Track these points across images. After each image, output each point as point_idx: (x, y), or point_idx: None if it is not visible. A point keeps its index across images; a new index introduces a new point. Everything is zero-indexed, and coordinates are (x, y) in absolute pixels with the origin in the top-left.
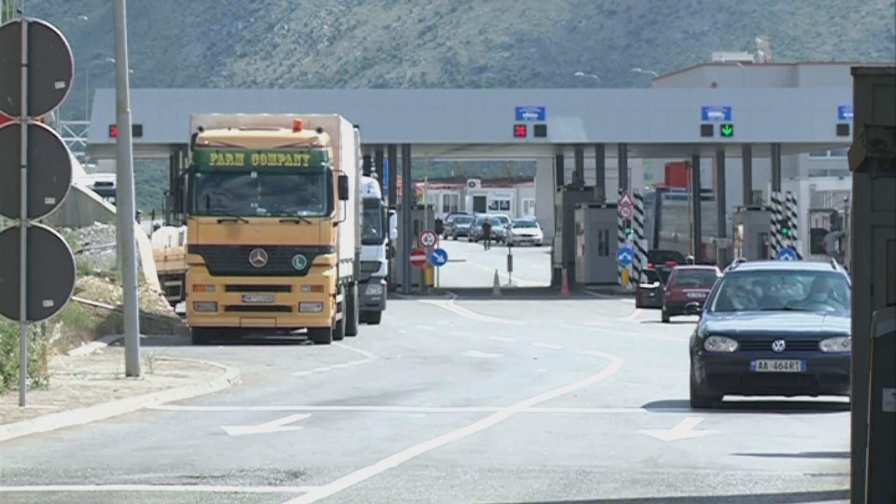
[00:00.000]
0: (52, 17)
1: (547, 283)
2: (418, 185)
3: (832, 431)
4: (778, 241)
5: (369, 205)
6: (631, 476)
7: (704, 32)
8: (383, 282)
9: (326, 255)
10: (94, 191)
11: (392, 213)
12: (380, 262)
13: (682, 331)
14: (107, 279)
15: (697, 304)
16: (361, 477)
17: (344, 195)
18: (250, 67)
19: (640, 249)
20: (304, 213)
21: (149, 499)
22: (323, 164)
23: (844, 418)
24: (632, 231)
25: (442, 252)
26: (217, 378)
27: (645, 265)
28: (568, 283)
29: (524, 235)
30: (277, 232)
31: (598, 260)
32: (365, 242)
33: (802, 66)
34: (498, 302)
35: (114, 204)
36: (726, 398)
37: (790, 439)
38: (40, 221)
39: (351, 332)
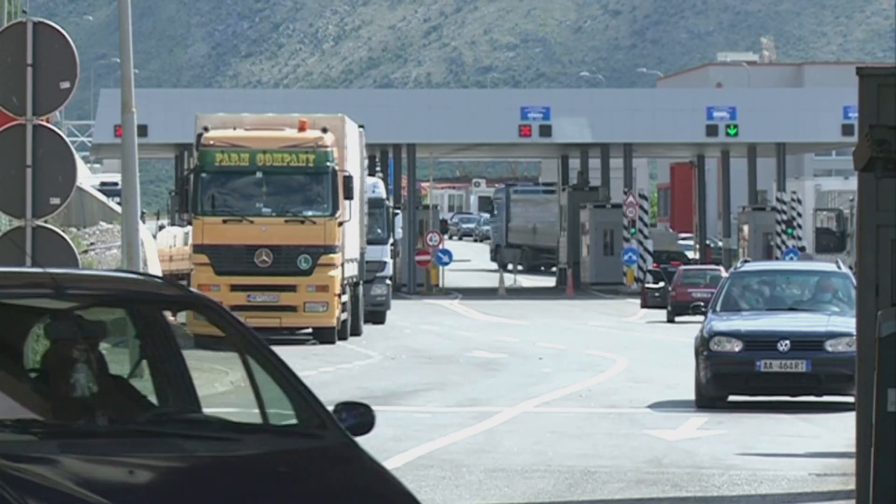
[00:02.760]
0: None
1: (552, 283)
2: (423, 185)
3: (837, 431)
4: (783, 241)
5: (374, 205)
6: (636, 476)
7: (709, 32)
8: (388, 282)
9: (331, 255)
10: (100, 191)
11: (397, 213)
12: (385, 262)
13: (687, 331)
14: None
15: (702, 304)
16: None
17: (349, 195)
18: (255, 67)
19: (645, 249)
20: (310, 213)
21: None
22: (328, 164)
23: (849, 418)
24: (636, 231)
25: (447, 252)
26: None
27: (650, 265)
28: (573, 283)
29: None
30: (282, 232)
31: (603, 260)
32: (370, 242)
33: (807, 66)
34: (503, 302)
35: (119, 204)
36: (731, 398)
37: (795, 439)
38: (45, 221)
39: (356, 331)
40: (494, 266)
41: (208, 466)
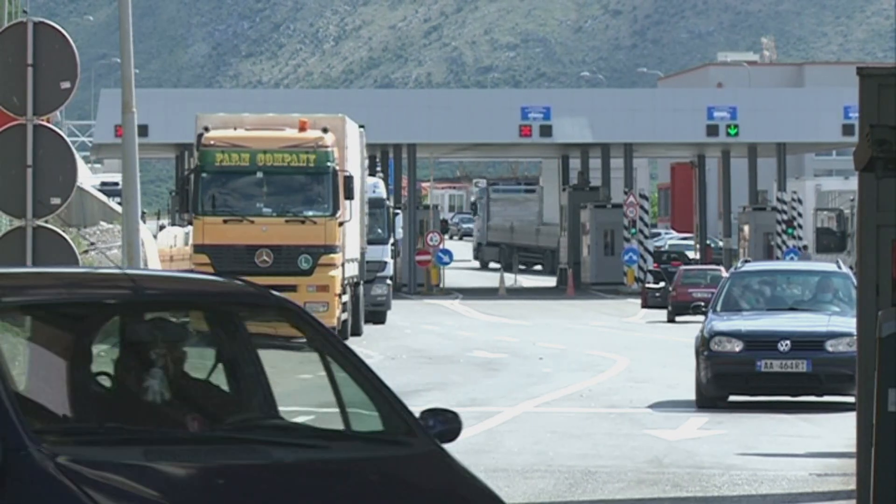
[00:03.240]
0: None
1: (552, 283)
2: (424, 185)
3: (837, 431)
4: (784, 241)
5: (375, 205)
6: (636, 476)
7: (710, 32)
8: (389, 282)
9: (332, 255)
10: (100, 191)
11: (397, 213)
12: (385, 262)
13: (688, 331)
14: None
15: (703, 304)
16: None
17: (349, 195)
18: (256, 67)
19: (646, 249)
20: (310, 213)
21: None
22: (328, 164)
23: (850, 418)
24: (637, 231)
25: (447, 252)
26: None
27: (651, 265)
28: (573, 283)
29: None
30: (283, 232)
31: (603, 260)
32: (370, 242)
33: (808, 66)
34: (503, 302)
35: (119, 204)
36: (732, 398)
37: (795, 439)
38: (46, 221)
39: (356, 331)
40: (480, 264)
41: (297, 474)
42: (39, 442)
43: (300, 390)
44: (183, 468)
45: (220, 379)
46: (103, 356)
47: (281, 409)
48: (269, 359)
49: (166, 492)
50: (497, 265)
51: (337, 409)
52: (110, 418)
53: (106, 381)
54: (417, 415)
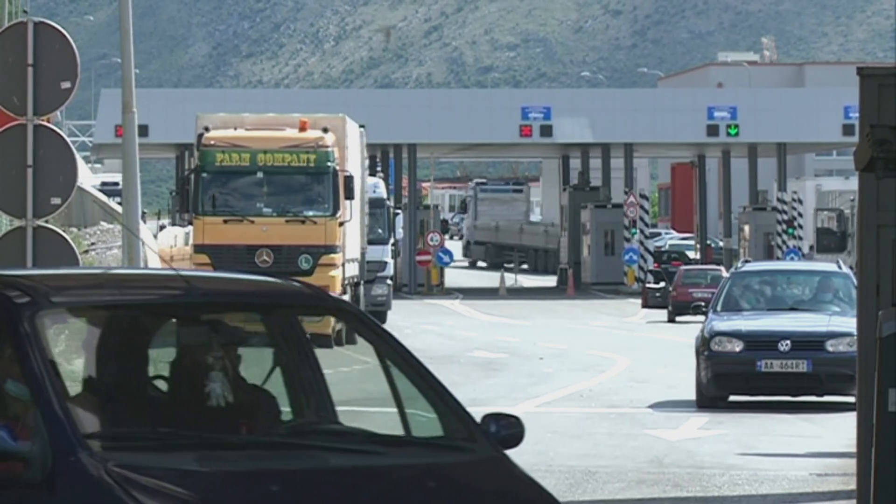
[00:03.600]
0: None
1: (553, 283)
2: (424, 185)
3: (838, 431)
4: (784, 241)
5: (375, 205)
6: (637, 476)
7: (710, 32)
8: (389, 282)
9: (332, 255)
10: (100, 191)
11: (398, 213)
12: (385, 262)
13: (688, 331)
14: None
15: (703, 304)
16: None
17: (350, 195)
18: (256, 67)
19: (647, 249)
20: (310, 213)
21: None
22: (329, 164)
23: (850, 418)
24: (638, 231)
25: (448, 252)
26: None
27: (651, 265)
28: (574, 283)
29: None
30: (283, 232)
31: (603, 260)
32: (371, 242)
33: (808, 66)
34: (504, 302)
35: (119, 204)
36: (732, 398)
37: (796, 439)
38: (46, 221)
39: None
40: (469, 262)
41: (352, 481)
42: (90, 447)
43: (358, 393)
44: (236, 474)
45: (276, 382)
46: (159, 359)
47: (339, 412)
48: (327, 360)
49: (217, 498)
50: (484, 264)
51: (396, 413)
52: (164, 422)
53: (162, 385)
54: (478, 419)
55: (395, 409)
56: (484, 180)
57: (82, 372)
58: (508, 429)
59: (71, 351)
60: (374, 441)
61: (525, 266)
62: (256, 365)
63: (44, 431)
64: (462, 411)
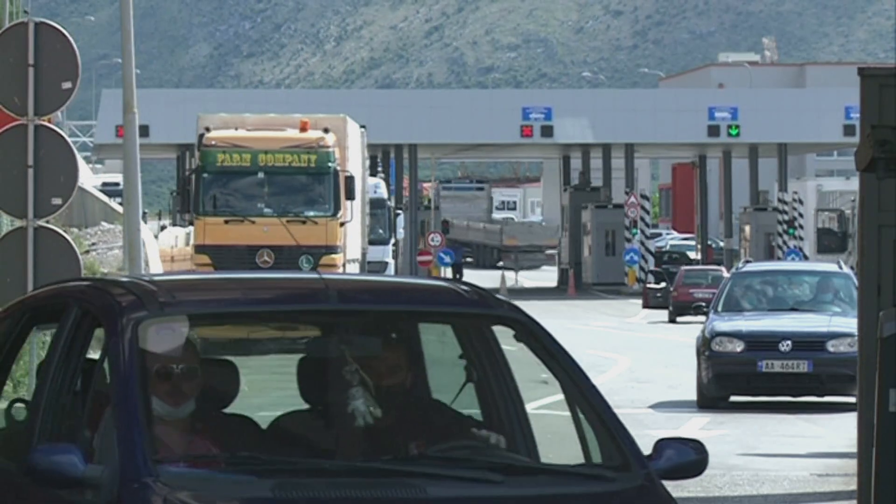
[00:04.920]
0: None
1: (553, 283)
2: (425, 185)
3: (839, 432)
4: (784, 242)
5: (376, 205)
6: None
7: (711, 33)
8: None
9: (333, 256)
10: (101, 191)
11: (399, 214)
12: (386, 263)
13: (689, 331)
14: None
15: (704, 304)
16: None
17: (350, 195)
18: (257, 68)
19: (647, 250)
20: (311, 214)
21: None
22: (329, 164)
23: (851, 419)
24: (638, 231)
25: (449, 252)
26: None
27: (652, 265)
28: (574, 283)
29: None
30: (284, 232)
31: (604, 260)
32: (372, 243)
33: (809, 67)
34: None
35: (120, 204)
36: (733, 398)
37: (797, 439)
38: (47, 222)
39: None
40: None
41: None
42: (158, 472)
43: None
44: (311, 501)
45: (399, 401)
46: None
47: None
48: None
49: None
50: None
51: (551, 435)
52: (248, 446)
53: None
54: (653, 442)
55: (549, 431)
56: (448, 180)
57: (184, 388)
58: (684, 456)
59: (176, 362)
60: (493, 468)
61: (469, 259)
62: (398, 379)
63: (116, 455)
64: (623, 437)
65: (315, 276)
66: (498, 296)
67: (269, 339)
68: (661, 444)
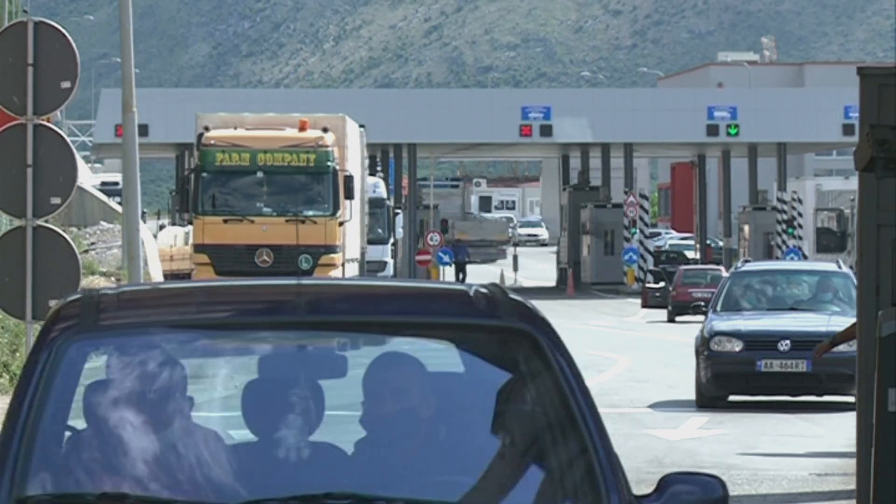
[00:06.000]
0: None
1: (552, 282)
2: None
3: (838, 431)
4: (784, 241)
5: (375, 204)
6: (637, 476)
7: (710, 32)
8: None
9: (332, 255)
10: (100, 190)
11: (398, 213)
12: (385, 262)
13: (688, 331)
14: (112, 279)
15: (703, 303)
16: None
17: (350, 195)
18: (256, 67)
19: (646, 249)
20: (310, 213)
21: None
22: (329, 163)
23: (850, 418)
24: (637, 231)
25: (448, 252)
26: None
27: (651, 265)
28: (573, 282)
29: (530, 235)
30: (283, 231)
31: (603, 260)
32: (371, 242)
33: (808, 66)
34: None
35: (119, 203)
36: (732, 398)
37: (796, 439)
38: (46, 221)
39: None
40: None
41: None
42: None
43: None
44: None
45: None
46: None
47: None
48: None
49: None
50: None
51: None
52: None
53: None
54: (659, 476)
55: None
56: (425, 178)
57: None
58: (691, 495)
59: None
60: None
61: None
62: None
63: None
64: (613, 480)
65: (292, 282)
66: (513, 296)
67: (223, 358)
68: (669, 479)
